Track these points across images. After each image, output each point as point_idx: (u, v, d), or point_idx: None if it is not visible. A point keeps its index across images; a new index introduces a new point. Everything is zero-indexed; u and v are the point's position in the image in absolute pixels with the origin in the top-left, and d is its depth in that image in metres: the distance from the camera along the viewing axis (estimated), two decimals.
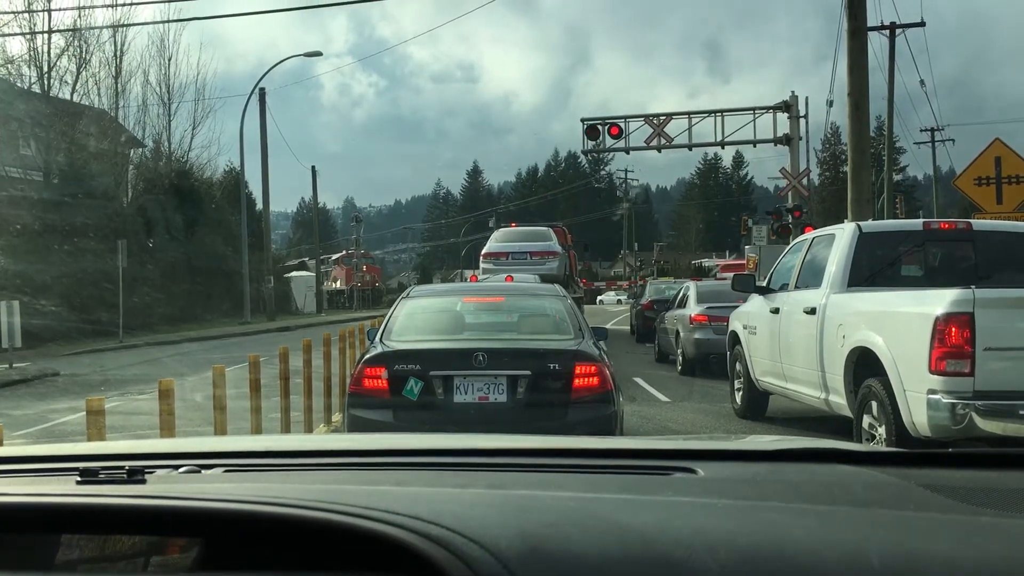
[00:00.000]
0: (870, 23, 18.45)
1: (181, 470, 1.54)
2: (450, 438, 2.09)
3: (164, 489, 1.32)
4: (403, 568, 1.05)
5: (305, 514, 1.14)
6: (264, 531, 1.16)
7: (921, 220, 9.10)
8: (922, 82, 30.34)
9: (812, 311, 8.40)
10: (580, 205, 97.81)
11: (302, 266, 71.04)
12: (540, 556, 1.03)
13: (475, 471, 1.59)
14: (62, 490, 1.33)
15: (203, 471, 1.55)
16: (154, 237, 34.59)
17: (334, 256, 68.80)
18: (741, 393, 10.95)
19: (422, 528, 1.07)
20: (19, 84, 32.47)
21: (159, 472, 1.49)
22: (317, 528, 1.13)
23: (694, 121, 28.31)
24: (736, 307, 11.64)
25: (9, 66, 31.80)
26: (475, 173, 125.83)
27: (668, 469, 1.53)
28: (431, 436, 2.26)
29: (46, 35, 32.65)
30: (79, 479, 1.35)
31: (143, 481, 1.35)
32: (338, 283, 64.13)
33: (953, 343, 6.19)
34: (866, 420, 7.27)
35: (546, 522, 1.13)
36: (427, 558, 1.03)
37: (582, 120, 28.70)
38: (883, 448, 3.40)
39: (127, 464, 1.41)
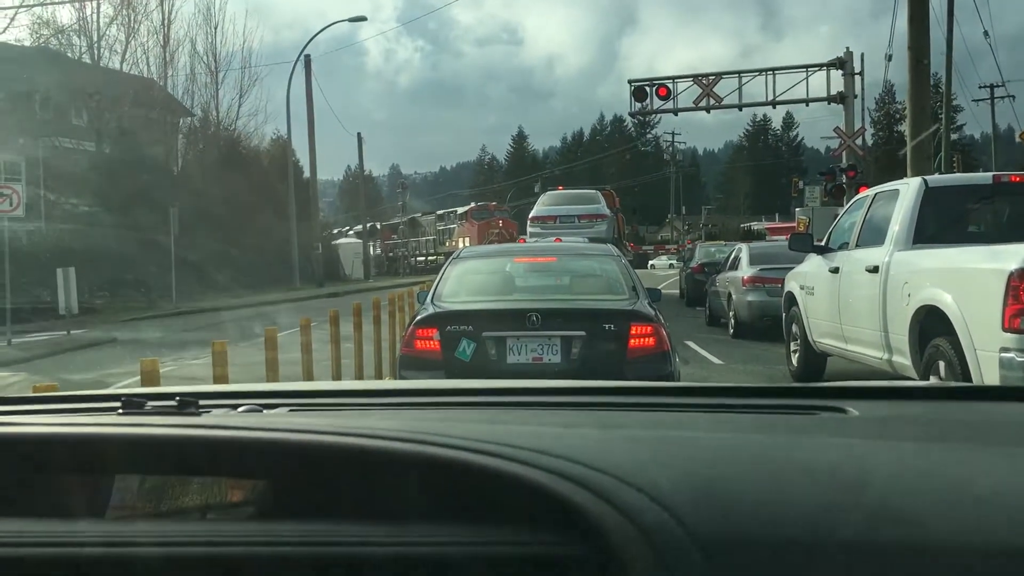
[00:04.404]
0: None
1: (240, 409, 1.34)
2: (536, 381, 1.88)
3: (224, 421, 1.14)
4: (523, 515, 0.86)
5: (404, 448, 0.93)
6: (343, 469, 0.97)
7: (990, 174, 8.74)
8: (986, 33, 29.08)
9: (875, 270, 8.13)
10: (626, 169, 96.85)
11: (413, 223, 60.83)
12: (715, 503, 0.82)
13: (579, 409, 1.38)
14: (99, 421, 1.17)
15: (265, 411, 1.35)
16: (204, 205, 35.00)
17: (460, 209, 53.94)
18: (797, 355, 10.72)
19: (554, 465, 0.85)
20: (69, 54, 32.87)
21: (215, 410, 1.30)
22: (416, 464, 0.93)
23: (744, 80, 27.74)
24: (790, 268, 11.37)
25: (60, 36, 32.19)
26: (520, 138, 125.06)
27: (812, 408, 1.32)
28: (517, 380, 2.03)
29: (95, 4, 32.96)
30: (121, 411, 1.19)
31: (196, 415, 1.18)
32: (465, 241, 48.53)
33: None
34: (933, 381, 7.03)
35: (707, 460, 0.91)
36: (564, 502, 0.82)
37: (629, 82, 28.25)
38: None
39: (177, 399, 1.23)
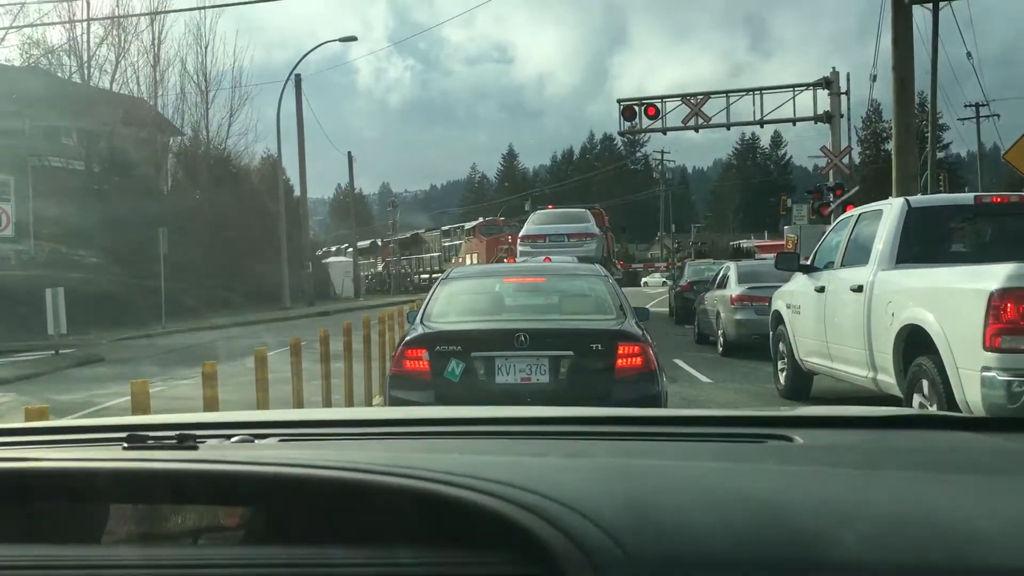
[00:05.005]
0: None
1: (233, 439, 1.45)
2: (516, 409, 1.99)
3: (217, 455, 1.23)
4: (489, 540, 0.96)
5: (382, 480, 1.03)
6: (328, 499, 1.07)
7: (972, 194, 8.87)
8: (969, 54, 29.51)
9: (859, 289, 8.23)
10: (616, 187, 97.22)
11: (416, 239, 59.11)
12: (650, 525, 0.92)
13: (550, 439, 1.49)
14: (107, 456, 1.26)
15: (256, 440, 1.46)
16: (194, 224, 34.99)
17: (467, 225, 52.57)
18: (785, 373, 10.80)
19: (514, 495, 0.96)
20: (60, 74, 32.91)
21: (210, 441, 1.40)
22: (393, 495, 1.03)
23: (732, 100, 27.91)
24: (778, 287, 11.47)
25: (50, 56, 32.23)
26: (510, 156, 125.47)
27: (761, 437, 1.43)
28: (496, 407, 2.16)
29: (85, 24, 33.06)
30: (126, 445, 1.27)
31: (194, 448, 1.27)
32: (473, 258, 45.76)
33: (1009, 319, 6.02)
34: (916, 399, 7.11)
35: (651, 488, 1.03)
36: (521, 528, 0.92)
37: (618, 101, 28.41)
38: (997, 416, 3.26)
39: (176, 432, 1.32)
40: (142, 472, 1.14)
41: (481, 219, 51.85)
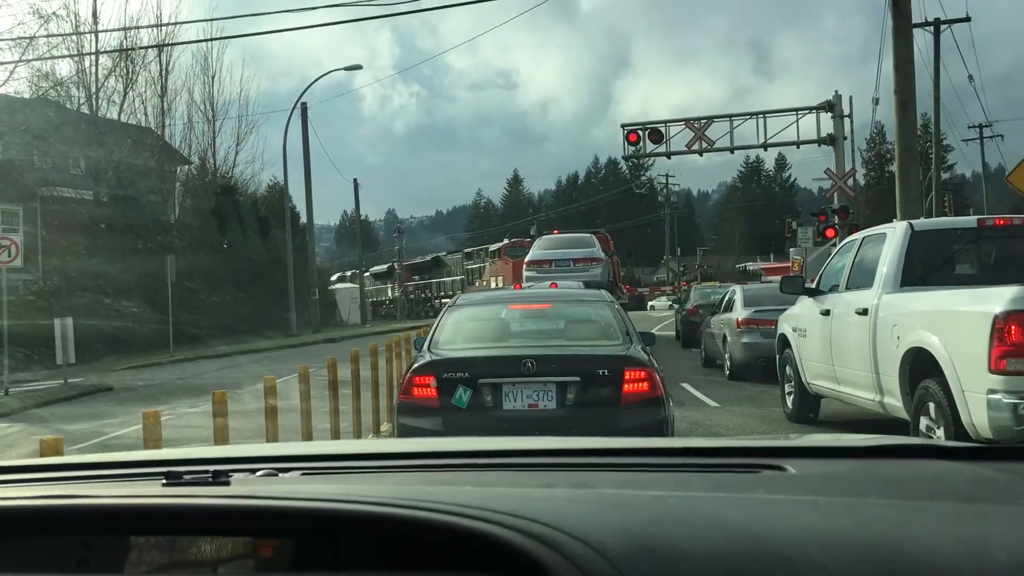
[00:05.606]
0: (915, 19, 18.19)
1: (258, 474, 1.53)
2: (525, 440, 2.07)
3: (248, 491, 1.32)
4: (502, 568, 1.03)
5: (400, 513, 1.11)
6: (353, 532, 1.15)
7: (975, 217, 8.90)
8: (970, 77, 29.70)
9: (864, 312, 8.26)
10: (621, 211, 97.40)
11: (437, 262, 58.49)
12: (647, 554, 1.00)
13: (557, 471, 1.57)
14: (149, 492, 1.34)
15: (280, 474, 1.54)
16: (201, 252, 35.17)
17: (492, 247, 49.70)
18: (792, 397, 10.79)
19: (524, 526, 1.04)
20: (69, 105, 33.23)
21: (237, 476, 1.48)
22: (411, 527, 1.10)
23: (736, 123, 28.08)
24: (784, 310, 11.49)
25: (59, 88, 32.56)
26: (515, 182, 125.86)
27: (756, 467, 1.50)
28: (505, 438, 2.24)
29: (94, 57, 33.41)
30: (165, 482, 1.36)
31: (227, 483, 1.35)
32: (498, 280, 42.57)
33: (1013, 341, 6.04)
34: (923, 422, 7.12)
35: (649, 519, 1.11)
36: (530, 556, 1.00)
37: (622, 126, 28.62)
38: (979, 444, 3.33)
39: (211, 468, 1.40)
40: (184, 508, 1.23)
41: (507, 240, 49.80)
